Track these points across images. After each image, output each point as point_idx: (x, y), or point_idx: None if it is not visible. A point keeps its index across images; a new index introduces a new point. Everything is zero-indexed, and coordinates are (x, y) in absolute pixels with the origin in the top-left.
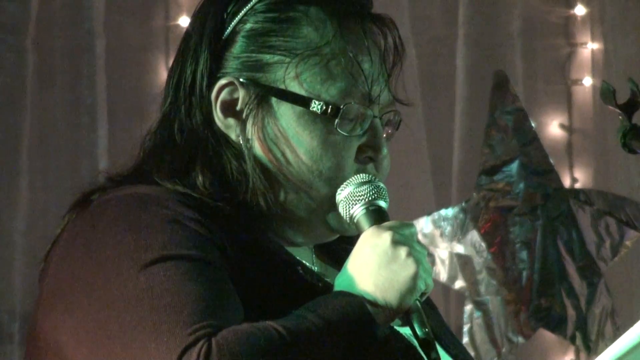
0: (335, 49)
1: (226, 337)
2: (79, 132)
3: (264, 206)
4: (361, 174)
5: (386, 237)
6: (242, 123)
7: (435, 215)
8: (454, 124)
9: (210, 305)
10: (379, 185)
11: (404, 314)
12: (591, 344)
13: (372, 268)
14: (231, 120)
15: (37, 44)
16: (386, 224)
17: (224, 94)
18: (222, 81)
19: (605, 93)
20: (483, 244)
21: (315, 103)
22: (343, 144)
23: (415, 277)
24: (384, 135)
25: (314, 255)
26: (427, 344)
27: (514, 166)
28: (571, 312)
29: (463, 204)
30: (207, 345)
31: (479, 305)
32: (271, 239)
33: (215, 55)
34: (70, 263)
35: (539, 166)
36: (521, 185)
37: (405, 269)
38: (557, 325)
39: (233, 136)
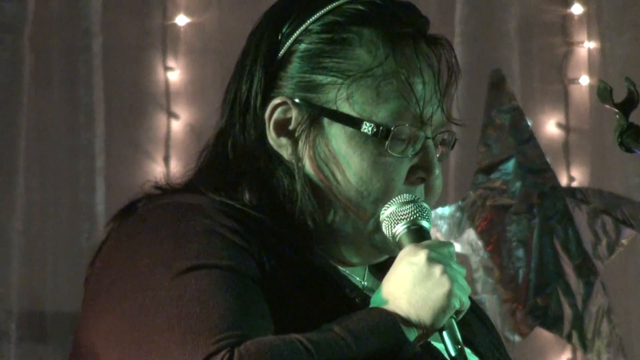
0: (387, 70)
1: (249, 348)
2: (76, 131)
3: (311, 225)
4: (405, 194)
5: (422, 255)
6: (294, 142)
7: (432, 213)
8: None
9: (238, 316)
10: (422, 205)
11: (439, 331)
12: (587, 343)
13: (406, 286)
14: (284, 140)
15: (34, 43)
16: (424, 242)
17: (277, 113)
18: (276, 100)
19: (602, 92)
20: (480, 243)
21: (366, 125)
22: (394, 166)
23: (449, 295)
24: (437, 155)
25: (366, 271)
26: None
27: (511, 165)
28: (568, 311)
29: (460, 203)
30: (229, 355)
31: None
32: (318, 254)
33: (270, 75)
34: (110, 271)
35: (536, 165)
36: (518, 184)
37: (439, 286)
38: (553, 323)
39: (285, 155)
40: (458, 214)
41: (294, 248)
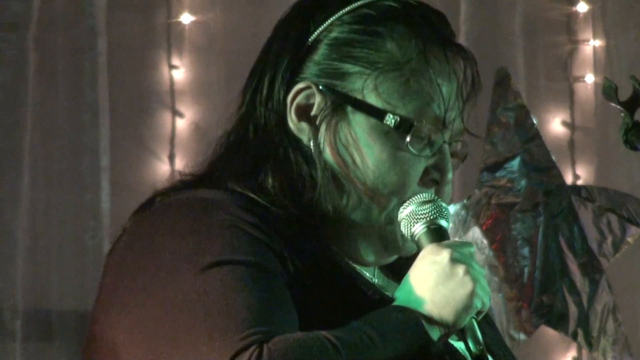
0: (416, 68)
1: (277, 344)
2: (81, 130)
3: (331, 209)
4: (423, 194)
5: (445, 254)
6: (315, 128)
7: None
8: None
9: (264, 312)
10: (441, 205)
11: (460, 331)
12: (593, 341)
13: (429, 284)
14: (304, 125)
15: (38, 42)
16: (445, 242)
17: (300, 98)
18: (300, 85)
19: (607, 90)
20: (485, 241)
21: (389, 117)
22: (411, 162)
23: (471, 295)
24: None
25: (376, 269)
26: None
27: (516, 163)
28: (573, 309)
29: (465, 201)
30: (258, 352)
31: None
32: (333, 250)
33: (297, 61)
34: (130, 264)
35: (541, 163)
36: (523, 182)
37: (462, 286)
38: (558, 322)
39: (305, 140)
40: (463, 212)
41: (313, 243)
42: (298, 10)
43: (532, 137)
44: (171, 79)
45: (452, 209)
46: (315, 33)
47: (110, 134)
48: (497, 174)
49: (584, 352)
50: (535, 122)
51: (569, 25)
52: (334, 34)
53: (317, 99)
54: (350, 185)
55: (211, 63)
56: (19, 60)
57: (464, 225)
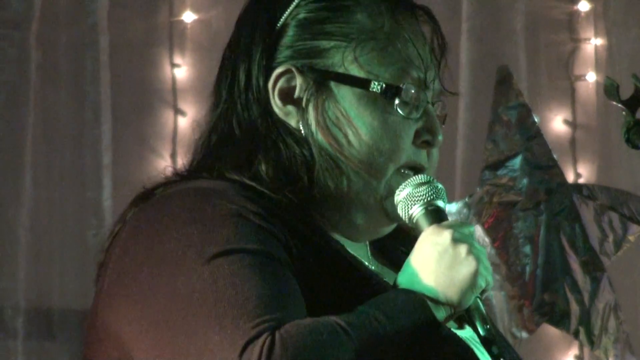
0: (389, 32)
1: (289, 331)
2: (83, 128)
3: (332, 187)
4: (419, 175)
5: (447, 235)
6: (302, 109)
7: None
8: (458, 119)
9: (274, 299)
10: (437, 186)
11: (465, 311)
12: (594, 339)
13: (433, 265)
14: (290, 107)
15: (40, 40)
16: (446, 222)
17: (281, 82)
18: (279, 69)
19: (609, 89)
20: (486, 239)
21: (374, 84)
22: (402, 125)
23: (475, 274)
24: None
25: (370, 255)
26: (489, 340)
27: (518, 161)
28: (574, 307)
29: (466, 199)
30: (271, 339)
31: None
32: (332, 237)
33: (269, 48)
34: (134, 255)
35: (543, 161)
36: (524, 181)
37: (466, 266)
38: (560, 320)
39: (293, 123)
40: (465, 211)
41: (313, 230)
42: (258, 1)
43: (534, 135)
44: (173, 77)
45: (454, 207)
46: (283, 17)
47: (112, 131)
48: (499, 173)
49: (586, 350)
50: (536, 120)
51: (571, 24)
52: (302, 15)
53: (299, 80)
54: (346, 162)
55: (213, 61)
56: (21, 58)
57: None
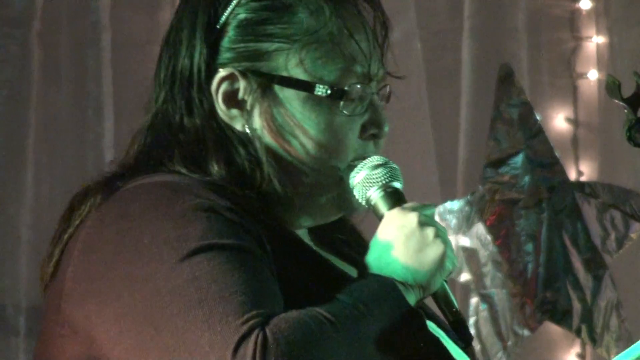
0: (332, 31)
1: (279, 325)
2: (85, 126)
3: (280, 190)
4: (374, 157)
5: (412, 217)
6: (248, 113)
7: (441, 208)
8: (460, 117)
9: (257, 293)
10: (393, 167)
11: (432, 295)
12: (596, 337)
13: (400, 249)
14: (235, 111)
15: (42, 38)
16: (408, 205)
17: (224, 86)
18: (222, 73)
19: (611, 87)
20: (488, 237)
21: (319, 87)
22: (348, 125)
23: (443, 257)
24: None
25: (312, 244)
26: (458, 323)
27: (519, 159)
28: (576, 305)
29: (468, 197)
30: (262, 335)
31: (485, 298)
32: (290, 229)
33: (211, 47)
34: (102, 251)
35: (545, 159)
36: (526, 178)
37: (434, 249)
38: (562, 318)
39: (238, 126)
40: (467, 208)
41: (276, 222)
42: None
43: (536, 133)
44: None
45: (456, 205)
46: (224, 16)
47: (115, 129)
48: (501, 170)
49: (588, 348)
50: (538, 118)
51: (573, 22)
52: (242, 15)
53: (242, 84)
54: (296, 163)
55: None
56: (23, 56)
57: (468, 221)
